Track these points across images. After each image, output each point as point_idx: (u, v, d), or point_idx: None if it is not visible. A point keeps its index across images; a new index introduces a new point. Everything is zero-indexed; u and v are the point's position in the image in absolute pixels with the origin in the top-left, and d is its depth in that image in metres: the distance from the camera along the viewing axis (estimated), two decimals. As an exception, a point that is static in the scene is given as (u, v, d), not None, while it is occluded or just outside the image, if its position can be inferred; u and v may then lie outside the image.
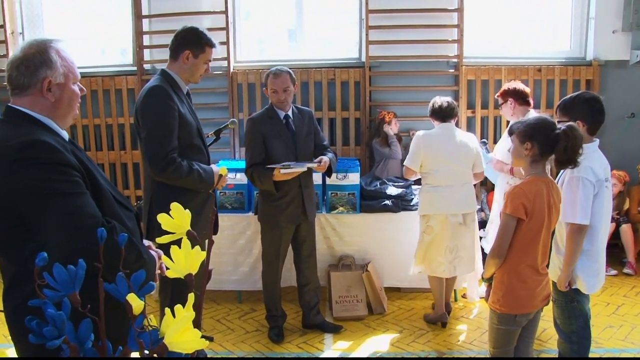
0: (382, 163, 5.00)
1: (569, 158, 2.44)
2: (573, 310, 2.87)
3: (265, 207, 3.74)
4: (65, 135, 1.85)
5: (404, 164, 3.94)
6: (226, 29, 5.29)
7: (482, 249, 4.14)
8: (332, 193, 4.29)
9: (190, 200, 2.83)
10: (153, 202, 2.95)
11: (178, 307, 1.17)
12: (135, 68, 5.50)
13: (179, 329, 1.13)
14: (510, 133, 2.61)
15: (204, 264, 1.19)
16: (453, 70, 5.34)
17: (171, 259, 1.17)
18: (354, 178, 4.27)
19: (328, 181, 4.27)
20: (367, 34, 5.24)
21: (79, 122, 5.49)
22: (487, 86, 5.33)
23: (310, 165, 3.54)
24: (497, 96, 4.04)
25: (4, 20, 5.41)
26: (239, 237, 4.32)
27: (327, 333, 3.86)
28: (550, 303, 2.84)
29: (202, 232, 2.89)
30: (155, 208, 2.92)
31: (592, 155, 2.76)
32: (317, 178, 4.28)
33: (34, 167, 1.64)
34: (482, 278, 2.72)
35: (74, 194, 1.68)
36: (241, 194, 4.33)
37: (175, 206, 1.29)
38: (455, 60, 5.30)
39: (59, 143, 1.72)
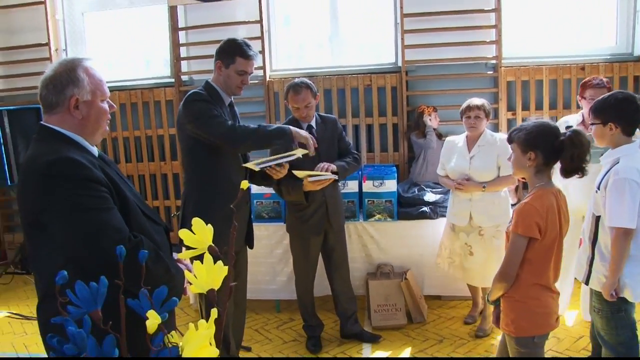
0: (421, 156, 4.90)
1: (576, 167, 2.28)
2: (620, 320, 2.71)
3: (290, 218, 3.74)
4: (95, 151, 1.89)
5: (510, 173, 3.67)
6: (261, 38, 5.32)
7: None
8: (368, 200, 4.23)
9: (218, 211, 2.83)
10: (185, 211, 2.97)
11: (201, 322, 1.17)
12: (173, 80, 5.59)
13: (197, 346, 1.12)
14: (510, 141, 2.44)
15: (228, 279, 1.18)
16: (492, 72, 5.21)
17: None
18: (390, 185, 4.20)
19: (364, 188, 4.22)
20: (402, 38, 5.17)
21: (120, 134, 5.62)
22: (528, 87, 5.17)
23: (332, 175, 3.43)
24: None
25: (48, 38, 5.60)
26: (276, 247, 4.31)
27: (366, 343, 3.80)
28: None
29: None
30: (187, 218, 2.93)
31: (635, 156, 2.64)
32: (353, 186, 4.26)
33: (61, 184, 1.67)
34: (488, 300, 2.54)
35: (100, 209, 1.71)
36: (277, 203, 4.32)
37: (196, 221, 1.28)
38: (494, 61, 5.16)
39: (87, 159, 1.74)
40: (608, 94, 2.80)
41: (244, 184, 1.36)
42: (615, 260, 2.59)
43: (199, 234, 1.27)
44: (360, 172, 4.38)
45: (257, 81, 5.39)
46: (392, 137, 5.38)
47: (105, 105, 1.88)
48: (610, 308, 2.70)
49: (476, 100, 3.75)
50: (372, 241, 4.30)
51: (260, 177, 3.05)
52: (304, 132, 3.07)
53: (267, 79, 5.45)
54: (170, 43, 5.57)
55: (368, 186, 4.21)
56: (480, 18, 5.14)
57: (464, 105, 3.78)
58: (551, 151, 2.30)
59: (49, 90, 1.79)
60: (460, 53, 5.15)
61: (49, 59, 5.59)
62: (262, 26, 5.33)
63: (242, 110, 5.25)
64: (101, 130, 1.90)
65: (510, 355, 2.44)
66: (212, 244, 1.27)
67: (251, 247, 3.20)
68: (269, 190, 4.20)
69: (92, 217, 1.68)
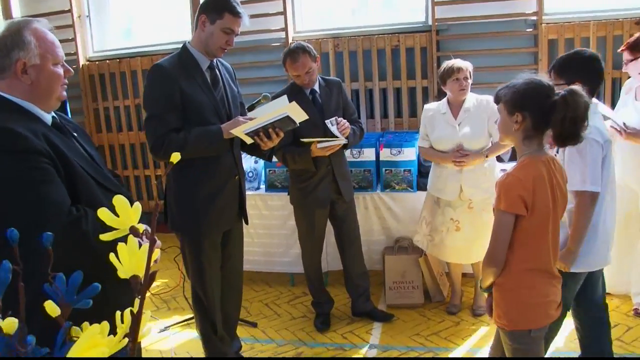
0: None
1: (569, 132, 1.91)
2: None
3: (293, 189, 3.50)
4: (48, 118, 1.81)
5: None
6: (283, -2, 5.07)
7: None
8: (386, 170, 3.95)
9: (201, 187, 2.67)
10: (167, 189, 2.82)
11: (126, 312, 1.03)
12: (194, 44, 5.43)
13: (84, 346, 0.96)
14: (497, 101, 2.09)
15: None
16: (532, 30, 4.75)
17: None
18: (409, 154, 3.89)
19: (382, 157, 3.94)
20: (432, -6, 4.80)
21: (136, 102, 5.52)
22: (572, 46, 4.67)
23: (342, 140, 3.19)
24: (623, 50, 3.26)
25: (70, 5, 5.52)
26: (290, 217, 4.07)
27: (377, 322, 3.58)
28: None
29: (217, 226, 2.74)
30: (168, 195, 2.80)
31: (595, 116, 2.36)
32: (370, 154, 3.99)
33: None
34: (480, 287, 2.22)
35: (38, 181, 1.62)
36: (291, 172, 4.12)
37: (118, 199, 1.13)
38: (534, 17, 4.70)
39: (29, 129, 1.64)
40: (572, 51, 2.57)
41: (174, 157, 1.17)
42: (578, 229, 2.34)
43: (122, 213, 1.12)
44: (378, 140, 4.10)
45: (279, 44, 5.16)
46: (421, 102, 5.04)
47: (60, 70, 1.77)
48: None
49: (459, 62, 3.43)
50: (389, 213, 4.02)
51: (250, 147, 2.80)
52: (232, 122, 2.66)
53: (290, 41, 5.19)
54: (190, 6, 5.39)
55: (385, 154, 3.92)
56: (519, -31, 4.68)
57: (447, 67, 3.43)
58: (541, 113, 1.94)
59: None
60: (496, 9, 4.70)
61: (72, 26, 5.52)
62: (284, -15, 5.06)
63: (264, 74, 5.14)
64: (55, 95, 1.79)
65: (506, 352, 2.12)
66: (134, 224, 1.12)
67: (246, 222, 2.98)
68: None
69: (28, 191, 1.60)
